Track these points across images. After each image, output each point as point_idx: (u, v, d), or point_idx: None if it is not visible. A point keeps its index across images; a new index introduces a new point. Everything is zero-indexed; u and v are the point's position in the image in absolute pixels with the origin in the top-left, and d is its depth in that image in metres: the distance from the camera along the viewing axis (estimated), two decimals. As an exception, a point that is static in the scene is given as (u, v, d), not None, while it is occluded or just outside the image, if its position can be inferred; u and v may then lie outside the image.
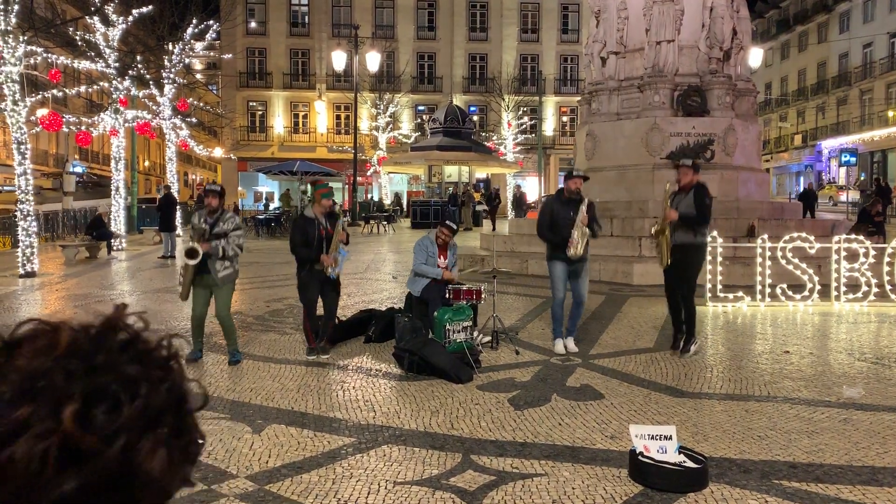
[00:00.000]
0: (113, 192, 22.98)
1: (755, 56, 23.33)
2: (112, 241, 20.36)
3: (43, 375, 0.66)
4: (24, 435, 0.63)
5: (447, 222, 8.15)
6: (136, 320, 0.75)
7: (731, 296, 10.23)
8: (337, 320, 8.20)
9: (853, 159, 33.17)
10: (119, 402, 0.66)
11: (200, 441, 0.75)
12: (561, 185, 7.88)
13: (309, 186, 25.47)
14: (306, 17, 46.73)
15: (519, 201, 33.34)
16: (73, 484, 0.64)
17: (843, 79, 47.24)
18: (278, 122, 46.91)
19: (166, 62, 27.03)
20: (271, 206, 36.94)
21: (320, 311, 7.66)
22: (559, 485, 4.22)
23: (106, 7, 20.68)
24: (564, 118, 48.15)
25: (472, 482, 4.25)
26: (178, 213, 21.36)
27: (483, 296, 7.78)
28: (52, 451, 0.63)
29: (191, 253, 6.83)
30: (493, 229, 26.66)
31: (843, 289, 10.37)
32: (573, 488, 4.18)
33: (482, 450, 4.79)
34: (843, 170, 40.97)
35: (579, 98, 20.18)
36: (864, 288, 10.32)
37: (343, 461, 4.61)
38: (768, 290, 10.25)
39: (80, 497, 0.65)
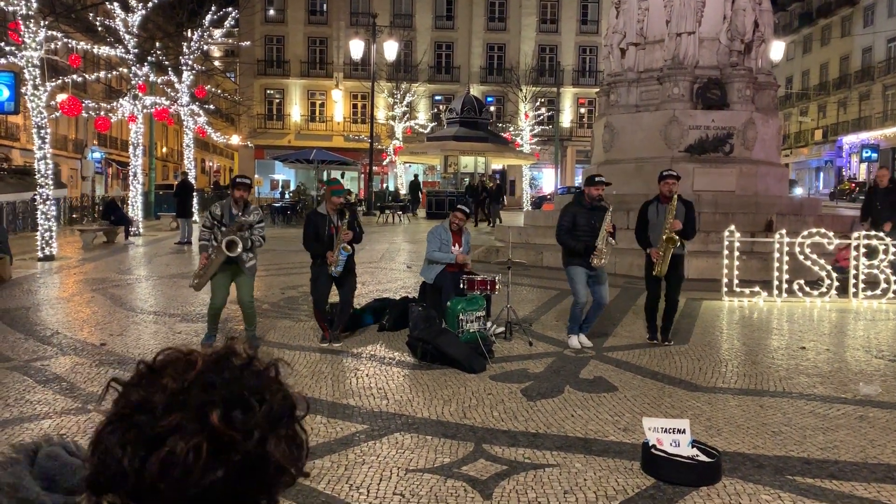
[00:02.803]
0: (131, 178, 23.15)
1: (777, 49, 23.04)
2: (130, 226, 20.54)
3: (187, 389, 0.83)
4: (176, 435, 0.79)
5: (460, 206, 8.19)
6: (245, 350, 0.92)
7: (747, 290, 10.15)
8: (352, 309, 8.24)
9: (874, 155, 32.77)
10: (251, 406, 0.84)
11: (305, 437, 0.92)
12: (580, 187, 7.82)
13: (339, 174, 25.42)
14: (324, 6, 46.71)
15: (496, 194, 28.19)
16: (222, 470, 0.80)
17: (865, 73, 46.58)
18: (295, 111, 47.02)
19: (185, 49, 27.12)
20: (287, 195, 37.07)
21: (333, 298, 7.71)
22: (571, 476, 4.22)
23: (126, -7, 20.76)
24: (582, 110, 47.88)
25: (484, 471, 4.26)
26: (196, 200, 21.47)
27: (497, 286, 7.77)
28: (203, 445, 0.79)
29: (231, 245, 6.83)
30: (476, 224, 25.53)
31: (861, 285, 10.27)
32: (585, 479, 4.17)
33: (494, 439, 4.79)
34: (863, 166, 40.52)
35: (598, 90, 20.05)
36: (883, 285, 10.21)
37: (356, 447, 4.63)
38: (785, 285, 10.17)
39: (228, 482, 0.81)
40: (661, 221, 7.56)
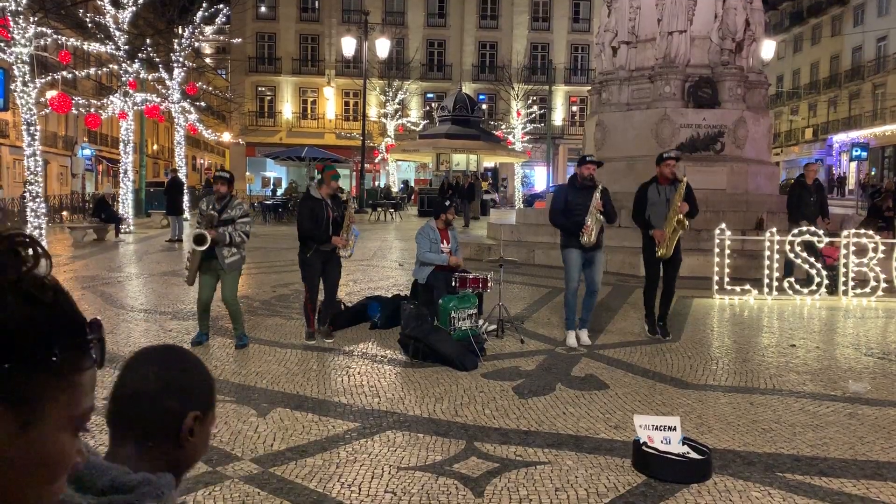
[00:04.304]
0: (121, 175, 23.04)
1: (768, 48, 23.10)
2: (120, 223, 20.44)
3: None
4: None
5: (445, 203, 8.22)
6: None
7: (738, 289, 10.19)
8: (343, 306, 8.24)
9: (864, 154, 32.94)
10: None
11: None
12: (573, 171, 7.86)
13: (317, 172, 25.22)
14: (316, 3, 46.60)
15: (468, 192, 26.58)
16: None
17: (856, 73, 46.82)
18: (287, 108, 46.89)
19: (176, 46, 27.01)
20: (278, 192, 36.98)
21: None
22: (562, 473, 4.23)
23: (116, -11, 20.66)
24: (574, 108, 47.95)
25: (476, 469, 4.26)
26: (186, 197, 21.39)
27: (489, 284, 7.77)
28: None
29: (199, 239, 6.84)
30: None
31: (851, 283, 10.33)
32: (576, 477, 4.18)
33: (486, 437, 4.80)
34: (853, 164, 40.75)
35: (589, 88, 20.07)
36: (873, 283, 10.27)
37: (347, 446, 4.63)
38: (776, 283, 10.21)
39: None
40: (663, 202, 7.58)
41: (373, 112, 42.07)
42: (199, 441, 1.26)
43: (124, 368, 1.27)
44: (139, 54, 22.97)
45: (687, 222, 7.54)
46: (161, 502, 1.03)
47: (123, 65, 21.28)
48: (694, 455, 4.27)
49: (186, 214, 20.82)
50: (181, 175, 22.23)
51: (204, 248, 6.84)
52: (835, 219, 15.52)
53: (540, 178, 46.83)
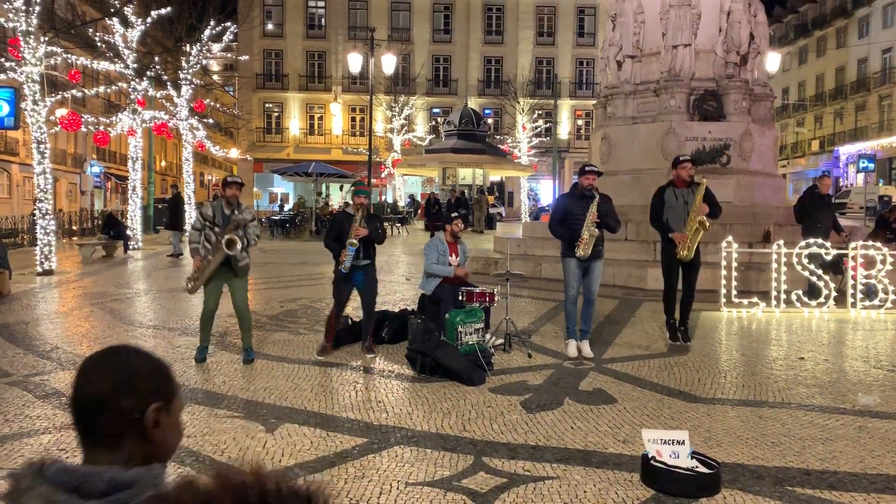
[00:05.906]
0: (130, 192, 23.18)
1: (772, 61, 23.18)
2: (128, 240, 20.55)
3: None
4: None
5: (453, 214, 8.23)
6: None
7: (745, 301, 10.16)
8: (350, 321, 8.24)
9: (871, 165, 32.88)
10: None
11: None
12: (575, 181, 7.89)
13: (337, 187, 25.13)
14: (323, 20, 46.99)
15: (454, 207, 25.94)
16: None
17: (861, 84, 46.84)
18: (294, 124, 47.16)
19: (184, 63, 27.23)
20: (286, 208, 37.12)
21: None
22: (571, 488, 4.22)
23: (125, 8, 20.88)
24: (579, 122, 48.07)
25: (484, 484, 4.26)
26: (193, 213, 21.48)
27: (496, 298, 7.78)
28: None
29: (231, 243, 6.83)
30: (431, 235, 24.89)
31: (859, 296, 10.29)
32: (585, 492, 4.17)
33: (494, 452, 4.79)
34: (860, 176, 40.61)
35: (595, 102, 20.13)
36: (882, 295, 10.22)
37: (355, 461, 4.63)
38: (783, 296, 10.18)
39: None
40: (681, 205, 7.58)
41: (379, 127, 42.27)
42: (167, 429, 1.29)
43: (75, 379, 1.29)
44: (148, 72, 23.17)
45: (708, 223, 7.57)
46: (159, 489, 1.15)
47: (132, 83, 21.47)
48: (703, 469, 4.26)
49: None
50: (189, 191, 22.37)
51: (237, 251, 6.87)
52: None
53: (546, 192, 46.88)
